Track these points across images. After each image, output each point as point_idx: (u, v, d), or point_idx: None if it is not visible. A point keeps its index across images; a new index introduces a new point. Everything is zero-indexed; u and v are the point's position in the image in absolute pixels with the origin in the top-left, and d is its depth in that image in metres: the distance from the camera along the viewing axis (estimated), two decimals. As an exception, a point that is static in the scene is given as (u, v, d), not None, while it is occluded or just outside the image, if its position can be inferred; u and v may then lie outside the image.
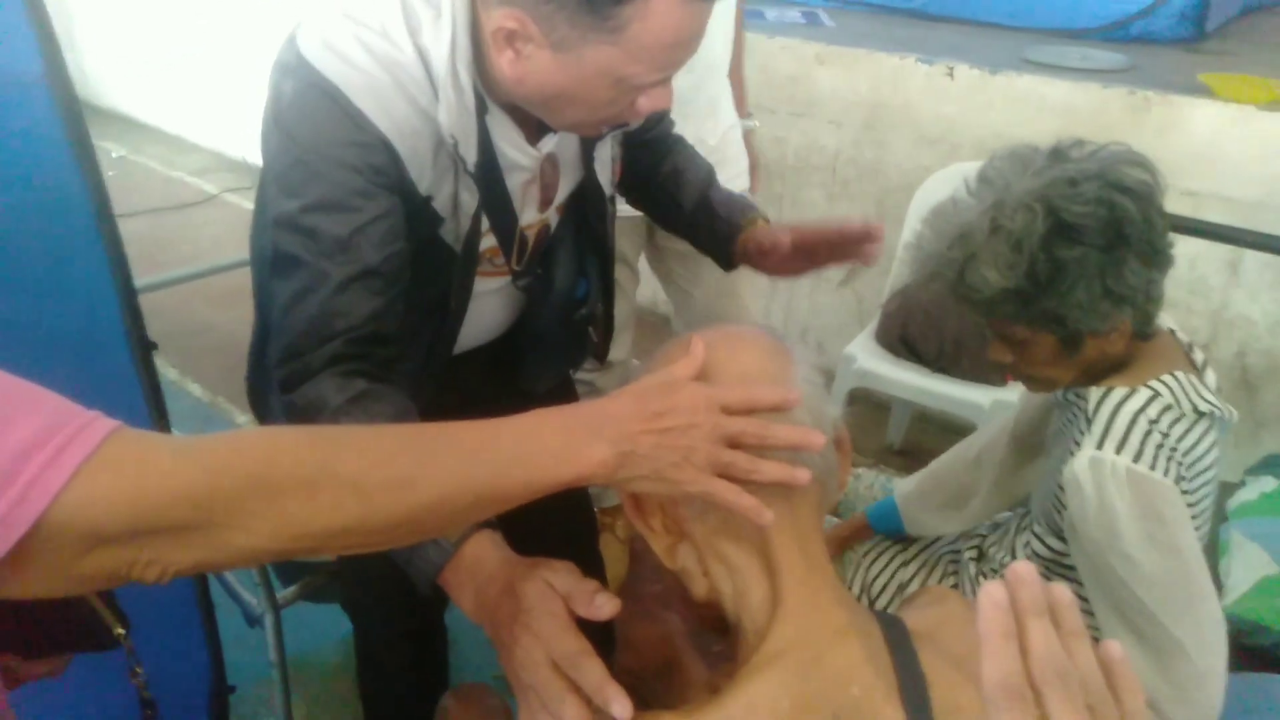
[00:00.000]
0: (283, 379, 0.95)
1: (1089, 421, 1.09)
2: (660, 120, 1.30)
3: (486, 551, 0.83)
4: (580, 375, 2.11)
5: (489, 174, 1.02)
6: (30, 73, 0.95)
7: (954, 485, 1.44)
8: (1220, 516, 1.61)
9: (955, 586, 1.42)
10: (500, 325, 1.25)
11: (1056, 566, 1.24)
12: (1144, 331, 1.12)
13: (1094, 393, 1.11)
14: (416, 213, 0.99)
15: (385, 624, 1.37)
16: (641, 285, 2.11)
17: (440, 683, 1.49)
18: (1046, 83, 2.43)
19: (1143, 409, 1.07)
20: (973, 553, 1.42)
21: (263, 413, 1.23)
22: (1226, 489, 1.68)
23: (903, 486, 1.50)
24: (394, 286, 0.97)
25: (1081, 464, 1.06)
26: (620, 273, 1.97)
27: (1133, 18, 2.88)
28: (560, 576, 0.75)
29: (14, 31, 0.94)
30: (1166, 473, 1.05)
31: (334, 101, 0.90)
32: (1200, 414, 1.10)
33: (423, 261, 1.02)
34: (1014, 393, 2.22)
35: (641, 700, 0.68)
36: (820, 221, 1.23)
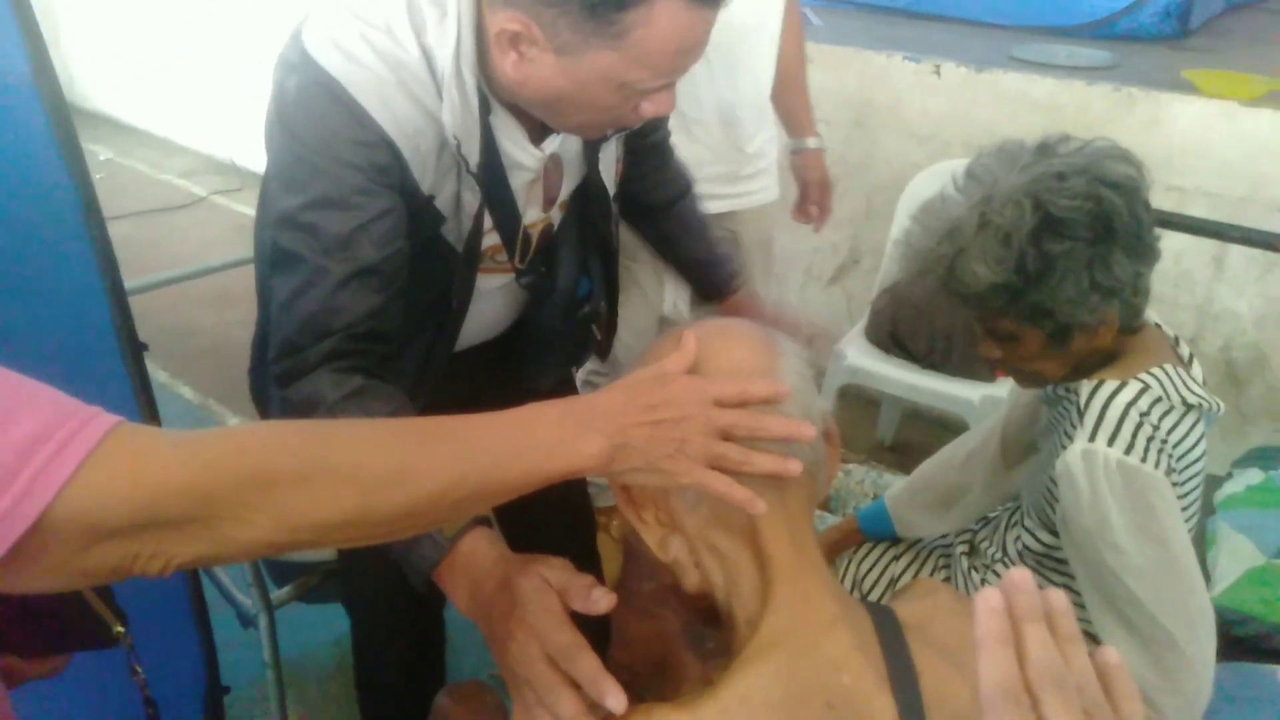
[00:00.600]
0: (280, 374, 0.96)
1: (1080, 414, 1.10)
2: (658, 127, 1.30)
3: (482, 548, 0.84)
4: (589, 378, 2.13)
5: (492, 174, 1.02)
6: (17, 74, 0.95)
7: (944, 486, 1.45)
8: (1208, 509, 1.63)
9: (947, 580, 1.43)
10: (503, 322, 1.26)
11: (1048, 560, 1.25)
12: (1131, 325, 1.13)
13: (1085, 386, 1.12)
14: (419, 212, 0.99)
15: (383, 620, 1.37)
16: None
17: (436, 681, 1.49)
18: (1032, 80, 2.45)
19: (1134, 401, 1.08)
20: (964, 547, 1.43)
21: (265, 408, 1.24)
22: (1213, 482, 1.70)
23: (892, 490, 1.51)
24: (393, 285, 0.97)
25: (1074, 456, 1.07)
26: (642, 273, 1.99)
27: (1117, 15, 2.90)
28: (556, 572, 0.76)
29: (1, 32, 0.94)
30: (1157, 465, 1.06)
31: (337, 99, 0.91)
32: (1189, 406, 1.11)
33: (424, 260, 1.02)
34: (1003, 388, 2.24)
35: (636, 696, 0.68)
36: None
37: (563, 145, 1.09)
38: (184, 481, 0.54)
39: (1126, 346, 1.16)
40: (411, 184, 0.97)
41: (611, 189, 1.20)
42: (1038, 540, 1.24)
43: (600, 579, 0.81)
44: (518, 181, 1.06)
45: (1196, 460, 1.14)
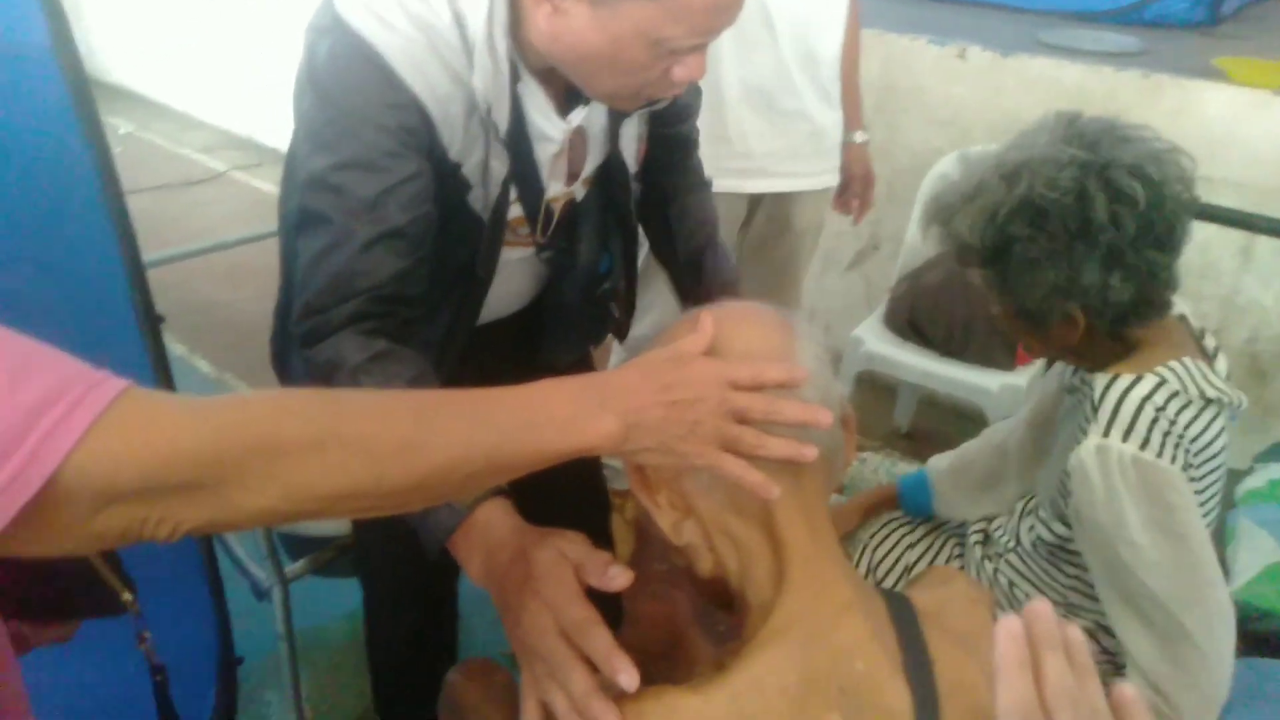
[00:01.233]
0: (303, 335, 0.96)
1: (1095, 409, 1.09)
2: (687, 117, 1.29)
3: (498, 517, 0.83)
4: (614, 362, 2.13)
5: (519, 142, 1.02)
6: (37, 45, 0.94)
7: (983, 470, 1.44)
8: (1228, 503, 1.61)
9: (961, 569, 1.42)
10: (523, 297, 1.25)
11: (1061, 552, 1.24)
12: (1105, 329, 1.10)
13: (1100, 379, 1.10)
14: (446, 178, 0.99)
15: (396, 591, 1.38)
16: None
17: (448, 656, 1.50)
18: (1059, 65, 2.41)
19: (1149, 396, 1.06)
20: (978, 536, 1.42)
21: (285, 376, 1.25)
22: (1234, 476, 1.68)
23: (937, 463, 1.50)
24: (419, 249, 0.97)
25: (1088, 451, 1.06)
26: None
27: (1147, 0, 2.85)
28: (573, 546, 0.75)
29: (20, 3, 0.93)
30: (1174, 460, 1.04)
31: (369, 62, 0.91)
32: (1208, 401, 1.09)
33: (450, 228, 1.02)
34: (1022, 377, 2.22)
35: (646, 677, 0.68)
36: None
37: (588, 120, 1.08)
38: (193, 447, 0.54)
39: (1147, 339, 1.14)
40: (440, 149, 0.97)
41: (632, 166, 1.19)
42: (1051, 531, 1.23)
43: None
44: (543, 153, 1.06)
45: (1216, 455, 1.12)
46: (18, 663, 0.66)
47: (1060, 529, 1.22)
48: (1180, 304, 1.20)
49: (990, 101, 2.51)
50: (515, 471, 0.68)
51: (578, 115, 1.06)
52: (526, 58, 0.98)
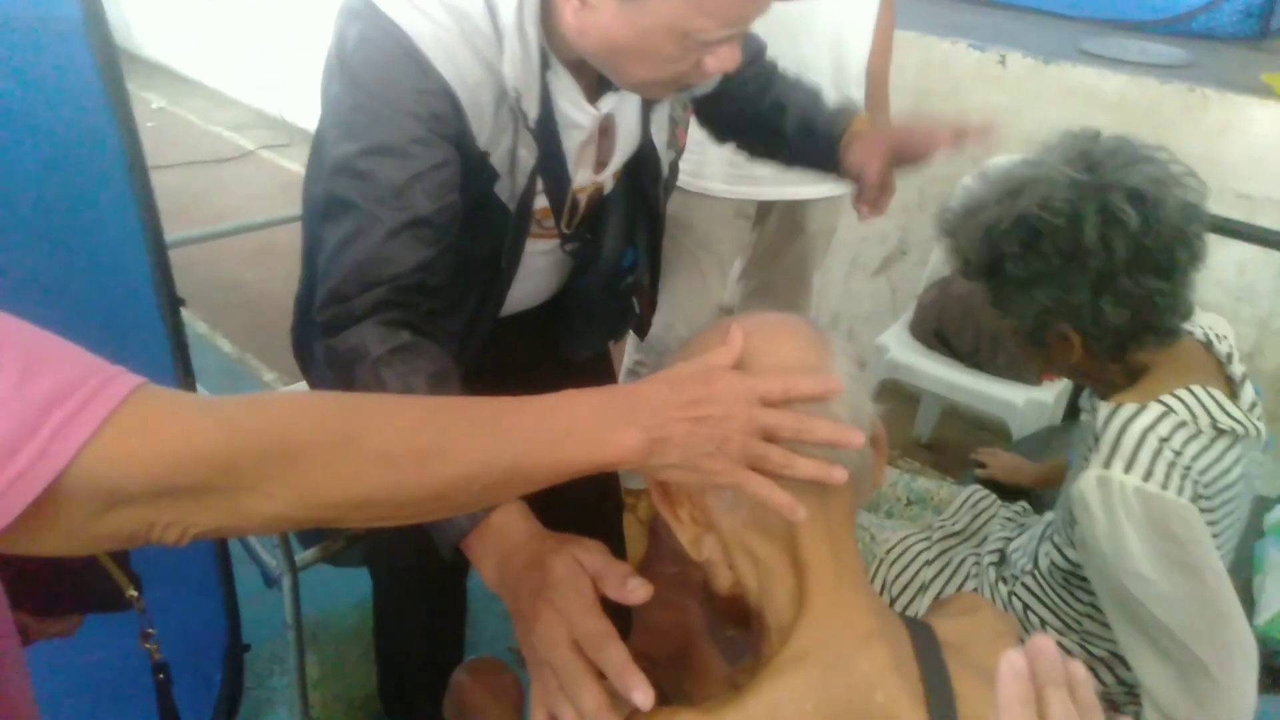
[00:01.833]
0: (325, 322, 0.94)
1: (1097, 438, 1.06)
2: (756, 60, 1.26)
3: (514, 522, 0.82)
4: (635, 367, 2.12)
5: (547, 131, 1.01)
6: (68, 20, 0.93)
7: None
8: (1257, 532, 1.57)
9: (975, 590, 1.39)
10: (546, 290, 1.24)
11: (1074, 578, 1.21)
12: (1106, 352, 1.09)
13: (1103, 409, 1.08)
14: (473, 167, 0.98)
15: (406, 585, 1.37)
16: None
17: (455, 651, 1.49)
18: (1102, 75, 2.36)
19: (1152, 426, 1.03)
20: (994, 557, 1.40)
21: (307, 365, 1.24)
22: (1265, 504, 1.63)
23: None
24: (444, 238, 0.96)
25: (1088, 483, 1.03)
26: (707, 261, 1.96)
27: (1195, 12, 2.80)
28: (591, 555, 0.73)
29: (53, -25, 0.92)
30: (1181, 491, 1.01)
31: (400, 47, 0.90)
32: (1220, 431, 1.06)
33: (476, 218, 1.01)
34: (1049, 393, 2.18)
35: (654, 686, 0.65)
36: (912, 126, 1.22)
37: (619, 108, 1.07)
38: (207, 449, 0.52)
39: (1155, 363, 1.11)
40: (468, 137, 0.96)
41: (664, 154, 1.17)
42: (1064, 557, 1.20)
43: (622, 559, 0.78)
44: (571, 142, 1.05)
45: (1232, 485, 1.09)
46: (23, 653, 0.65)
47: (1073, 554, 1.19)
48: (1214, 326, 1.17)
49: (1029, 109, 2.46)
50: (535, 485, 0.66)
51: (608, 102, 1.04)
52: (557, 47, 0.97)
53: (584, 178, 1.11)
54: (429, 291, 0.96)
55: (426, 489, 0.60)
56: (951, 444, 2.71)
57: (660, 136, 1.15)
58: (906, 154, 1.21)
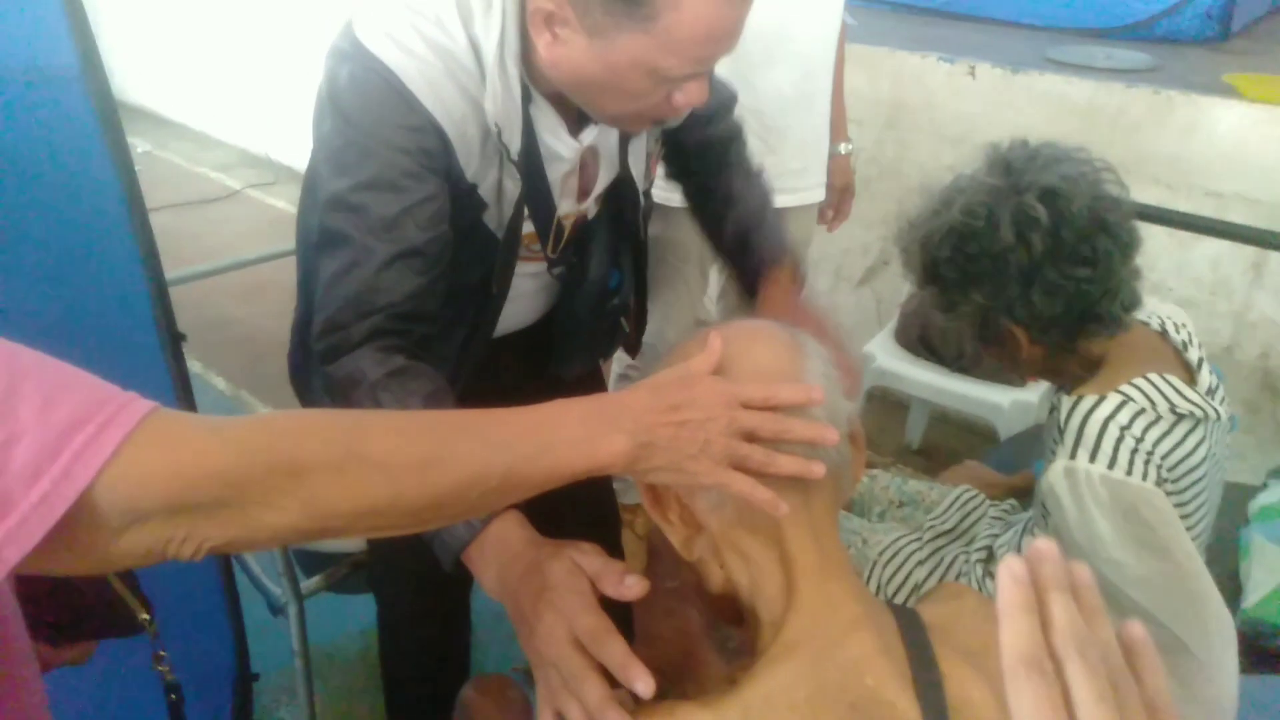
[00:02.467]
0: (322, 351, 0.98)
1: (1061, 431, 1.10)
2: (712, 120, 1.31)
3: (513, 531, 0.85)
4: (626, 371, 2.15)
5: (531, 163, 1.04)
6: (66, 68, 0.97)
7: None
8: (1241, 518, 1.60)
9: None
10: (535, 311, 1.28)
11: None
12: (1055, 344, 1.13)
13: (1065, 402, 1.12)
14: (462, 199, 1.02)
15: (410, 602, 1.39)
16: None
17: (461, 670, 1.50)
18: (1069, 82, 2.42)
19: (1112, 416, 1.07)
20: (981, 555, 1.43)
21: (304, 392, 1.27)
22: (1249, 491, 1.67)
23: None
24: (435, 267, 0.99)
25: (1056, 475, 1.08)
26: (690, 274, 2.00)
27: (1157, 17, 2.87)
28: (588, 558, 0.77)
29: (50, 28, 0.96)
30: (1145, 476, 1.05)
31: (389, 85, 0.93)
32: (1180, 416, 1.10)
33: (466, 246, 1.05)
34: (1033, 393, 2.22)
35: (659, 694, 0.68)
36: (826, 324, 1.25)
37: (599, 138, 1.10)
38: (218, 467, 0.55)
39: (1110, 354, 1.15)
40: (457, 170, 0.99)
41: (641, 183, 1.21)
42: None
43: None
44: (555, 173, 1.08)
45: (1197, 467, 1.12)
46: (43, 681, 0.67)
47: None
48: (1172, 315, 1.21)
49: (1000, 118, 2.52)
50: (529, 491, 0.69)
51: (589, 134, 1.08)
52: (538, 81, 1.00)
53: (568, 206, 1.14)
54: (422, 318, 0.99)
55: (426, 497, 0.63)
56: (942, 449, 2.74)
57: (638, 168, 1.19)
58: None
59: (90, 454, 0.51)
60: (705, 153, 1.32)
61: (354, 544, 1.64)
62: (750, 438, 0.70)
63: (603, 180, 1.17)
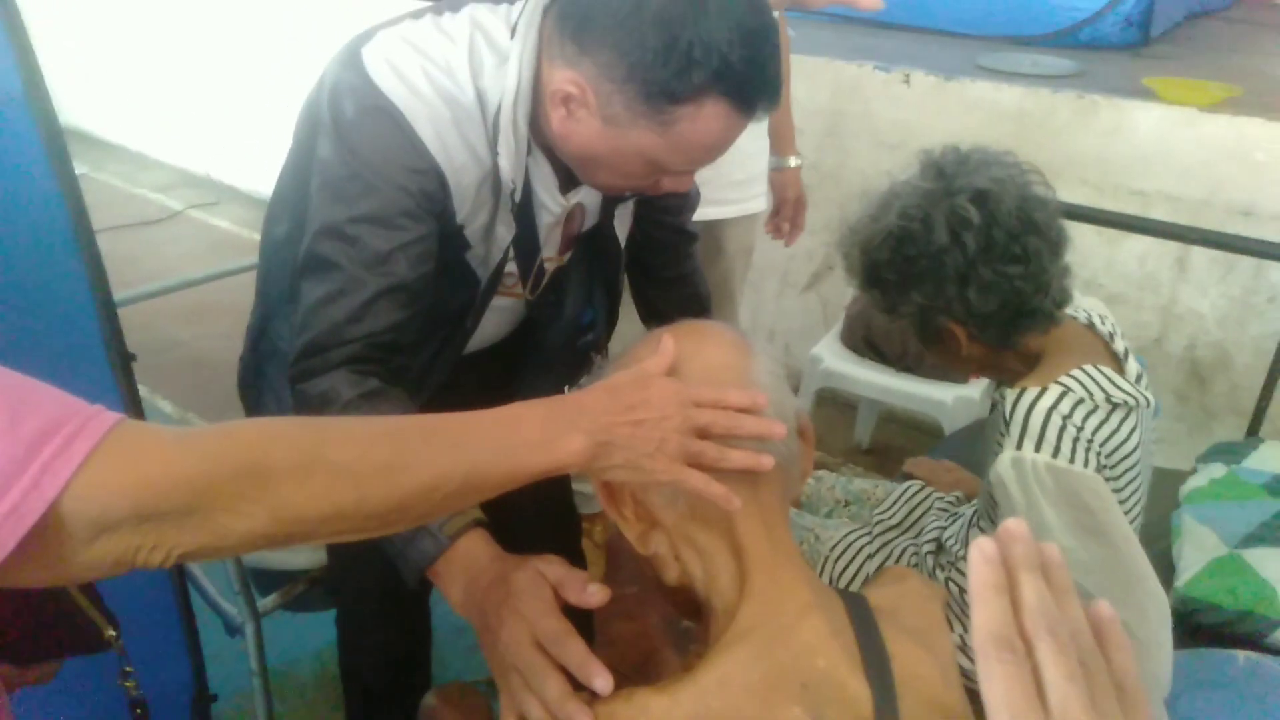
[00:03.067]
0: (298, 373, 0.99)
1: (1006, 423, 1.15)
2: (681, 210, 1.38)
3: (479, 546, 0.87)
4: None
5: (526, 213, 1.08)
6: (9, 91, 0.97)
7: None
8: (1173, 502, 1.67)
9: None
10: (504, 328, 1.30)
11: None
12: (992, 341, 1.18)
13: (1009, 394, 1.17)
14: (450, 237, 1.05)
15: (370, 608, 1.39)
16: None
17: (422, 679, 1.51)
18: (999, 88, 2.51)
19: (1054, 406, 1.12)
20: (930, 547, 1.47)
21: (253, 397, 1.27)
22: (1179, 476, 1.74)
23: None
24: (418, 302, 1.02)
25: (1004, 465, 1.12)
26: None
27: (1081, 24, 2.98)
28: (552, 567, 0.79)
29: (-8, 51, 0.96)
30: (1086, 463, 1.10)
31: (398, 127, 0.96)
32: (1114, 405, 1.15)
33: (444, 278, 1.07)
34: (975, 389, 2.29)
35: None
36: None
37: (585, 195, 1.14)
38: (185, 475, 0.57)
39: (1046, 348, 1.21)
40: (450, 212, 1.02)
41: (622, 240, 1.26)
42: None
43: None
44: (542, 221, 1.12)
45: (1131, 454, 1.18)
46: (8, 701, 0.67)
47: None
48: (1094, 308, 1.27)
49: (935, 124, 2.60)
50: (490, 491, 0.71)
51: (577, 193, 1.12)
52: (537, 136, 1.04)
53: (549, 252, 1.18)
54: (399, 349, 1.02)
55: (390, 501, 0.65)
56: (891, 447, 2.80)
57: (622, 230, 1.25)
58: None
59: (58, 466, 0.52)
60: (660, 236, 1.38)
61: (310, 561, 1.64)
62: (703, 434, 0.73)
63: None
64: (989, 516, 1.26)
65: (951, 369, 1.31)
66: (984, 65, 2.67)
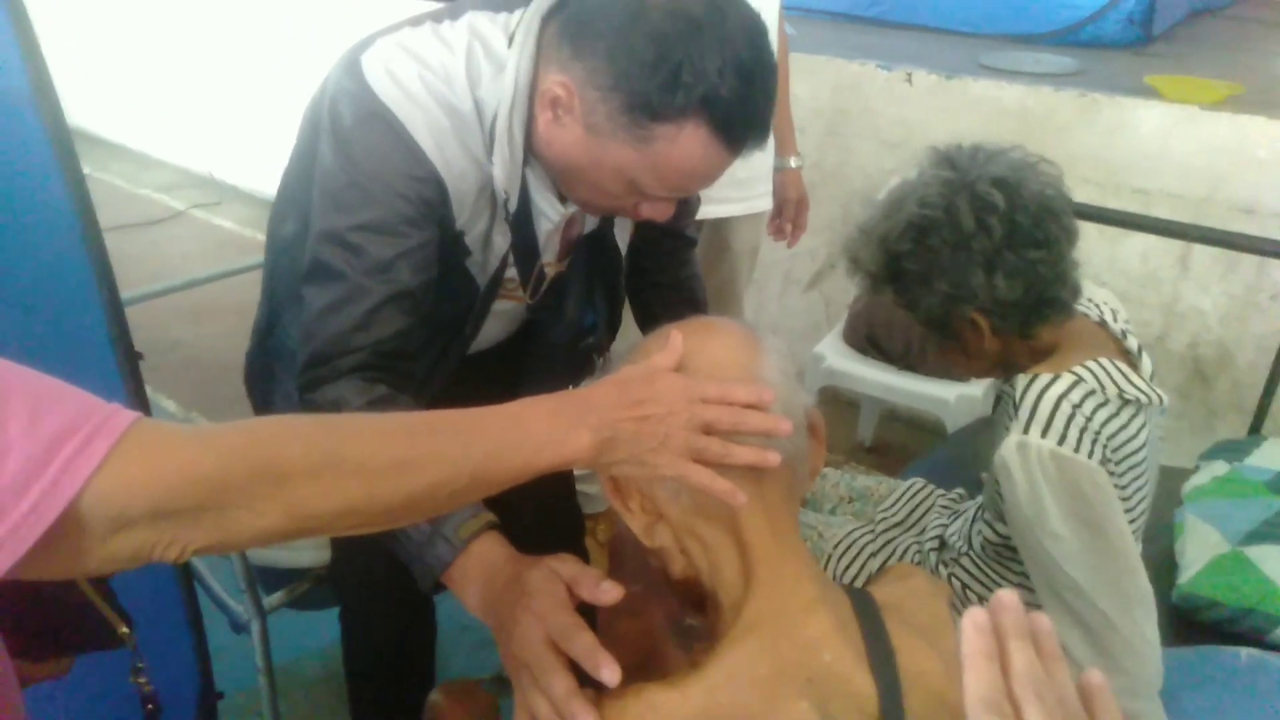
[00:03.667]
0: (305, 382, 1.00)
1: (1016, 407, 1.15)
2: (679, 216, 1.36)
3: (494, 549, 0.88)
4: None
5: (523, 220, 1.09)
6: (17, 90, 0.97)
7: None
8: (1175, 500, 1.67)
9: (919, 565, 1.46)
10: (506, 331, 1.31)
11: (1006, 551, 1.29)
12: (1013, 332, 1.18)
13: (1021, 380, 1.17)
14: (449, 243, 1.05)
15: (373, 602, 1.40)
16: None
17: (427, 678, 1.51)
18: (1001, 87, 2.51)
19: (1065, 393, 1.12)
20: (934, 544, 1.48)
21: (260, 393, 1.28)
22: (1181, 474, 1.75)
23: None
24: (422, 308, 1.03)
25: (1009, 449, 1.12)
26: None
27: (1083, 22, 2.98)
28: (566, 565, 0.80)
29: (0, 50, 0.96)
30: (1090, 455, 1.10)
31: (397, 136, 0.97)
32: (1126, 401, 1.15)
33: (444, 284, 1.08)
34: (978, 387, 2.29)
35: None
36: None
37: None
38: (201, 473, 0.57)
39: (1061, 342, 1.21)
40: (449, 219, 1.03)
41: (624, 247, 1.26)
42: (995, 532, 1.28)
43: None
44: (540, 228, 1.13)
45: (1138, 451, 1.18)
46: (22, 696, 0.68)
47: (1002, 529, 1.27)
48: (1108, 301, 1.28)
49: (937, 123, 2.60)
50: (498, 487, 0.72)
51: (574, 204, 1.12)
52: (533, 145, 1.04)
53: (549, 258, 1.19)
54: (406, 355, 1.03)
55: (401, 496, 0.66)
56: (894, 446, 2.81)
57: (623, 236, 1.25)
58: None
59: (78, 464, 0.52)
60: (660, 250, 1.38)
61: (316, 559, 1.64)
62: (709, 430, 0.74)
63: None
64: (994, 506, 1.26)
65: (962, 369, 1.30)
66: (986, 64, 2.67)
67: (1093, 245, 2.40)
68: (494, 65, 0.99)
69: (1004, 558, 1.30)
